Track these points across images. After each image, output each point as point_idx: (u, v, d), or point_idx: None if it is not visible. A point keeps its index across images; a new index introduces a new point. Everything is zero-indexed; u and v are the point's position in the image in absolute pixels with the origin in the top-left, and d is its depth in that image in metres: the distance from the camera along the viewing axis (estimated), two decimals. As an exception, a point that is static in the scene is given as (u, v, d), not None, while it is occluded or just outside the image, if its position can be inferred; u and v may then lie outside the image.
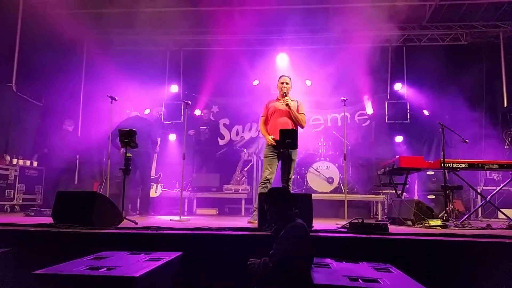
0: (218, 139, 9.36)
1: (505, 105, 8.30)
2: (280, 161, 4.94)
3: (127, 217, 4.47)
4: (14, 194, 6.58)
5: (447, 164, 5.25)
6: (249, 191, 7.89)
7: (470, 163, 5.35)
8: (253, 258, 2.75)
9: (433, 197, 7.23)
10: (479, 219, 6.75)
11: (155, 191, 7.17)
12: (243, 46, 9.04)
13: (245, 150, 8.83)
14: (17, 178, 6.65)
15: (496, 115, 8.39)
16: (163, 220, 5.31)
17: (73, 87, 8.58)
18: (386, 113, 8.64)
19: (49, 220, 3.91)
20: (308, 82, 8.73)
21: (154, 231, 3.57)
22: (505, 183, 5.66)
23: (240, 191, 7.85)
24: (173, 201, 7.54)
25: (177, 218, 5.34)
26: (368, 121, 9.05)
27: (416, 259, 3.21)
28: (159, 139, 7.07)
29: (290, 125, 4.95)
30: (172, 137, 8.85)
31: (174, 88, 9.30)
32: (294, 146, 4.48)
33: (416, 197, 7.32)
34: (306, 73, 8.65)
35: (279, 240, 2.73)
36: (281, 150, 4.77)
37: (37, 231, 3.53)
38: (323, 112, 9.12)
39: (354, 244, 3.39)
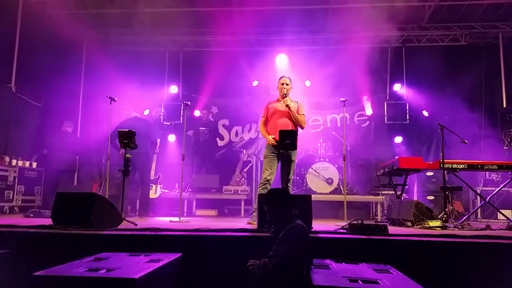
0: (218, 139, 9.36)
1: (504, 105, 8.30)
2: (280, 162, 4.95)
3: (126, 218, 4.47)
4: (13, 195, 6.57)
5: (447, 165, 5.25)
6: (248, 192, 7.89)
7: (469, 164, 5.36)
8: (253, 260, 2.75)
9: (432, 198, 7.23)
10: (479, 220, 6.74)
11: (155, 192, 7.16)
12: (242, 47, 9.03)
13: (244, 151, 8.82)
14: (16, 179, 6.64)
15: (495, 116, 8.39)
16: (163, 221, 5.31)
17: (73, 87, 8.56)
18: (386, 114, 8.63)
19: (49, 221, 3.90)
20: (308, 83, 8.73)
21: (154, 232, 3.57)
22: (504, 183, 5.66)
23: (239, 192, 7.85)
24: (172, 202, 7.53)
25: (176, 219, 5.34)
26: (368, 122, 9.06)
27: (416, 260, 3.22)
28: (158, 140, 7.06)
29: (290, 126, 4.95)
30: (172, 138, 8.85)
31: (174, 89, 9.30)
32: (294, 147, 4.50)
33: (415, 198, 7.31)
34: (306, 73, 8.65)
35: (278, 241, 2.73)
36: (281, 151, 4.77)
37: (36, 233, 3.53)
38: (322, 113, 9.11)
39: (353, 245, 3.39)
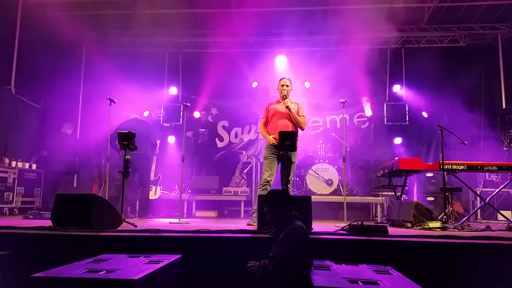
0: (217, 141, 9.36)
1: (504, 106, 8.31)
2: (280, 163, 4.95)
3: (126, 219, 4.47)
4: (13, 197, 6.57)
5: (446, 166, 5.24)
6: (248, 193, 7.89)
7: (469, 164, 5.35)
8: (253, 261, 2.75)
9: (432, 199, 7.23)
10: (478, 220, 6.74)
11: (154, 193, 7.16)
12: (242, 48, 9.05)
13: (244, 152, 8.83)
14: (16, 180, 6.64)
15: (495, 117, 8.40)
16: (163, 222, 5.31)
17: (72, 89, 8.57)
18: (385, 115, 8.64)
19: (48, 223, 3.89)
20: (307, 84, 8.74)
21: (154, 234, 3.56)
22: (504, 184, 5.65)
23: (239, 193, 7.85)
24: (172, 204, 7.53)
25: (176, 220, 5.33)
26: (367, 123, 9.06)
27: (416, 261, 3.22)
28: (158, 141, 7.06)
29: (290, 127, 4.96)
30: (171, 139, 8.85)
31: (173, 90, 9.31)
32: (294, 148, 4.50)
33: (415, 199, 7.31)
34: (305, 75, 8.66)
35: (278, 242, 2.72)
36: (280, 152, 4.78)
37: (36, 234, 3.52)
38: (322, 114, 9.12)
39: (353, 246, 3.39)
